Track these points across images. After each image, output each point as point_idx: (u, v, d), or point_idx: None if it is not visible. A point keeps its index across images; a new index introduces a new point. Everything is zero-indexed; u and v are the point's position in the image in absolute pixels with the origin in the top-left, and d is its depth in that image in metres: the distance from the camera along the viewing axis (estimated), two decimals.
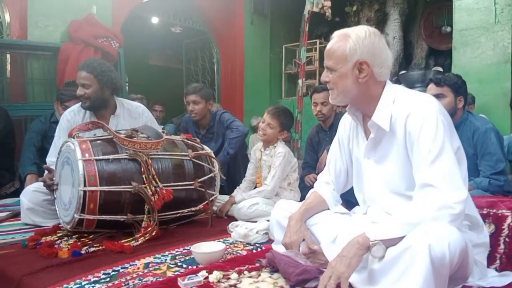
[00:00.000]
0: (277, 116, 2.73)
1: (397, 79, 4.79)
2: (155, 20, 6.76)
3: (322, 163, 3.05)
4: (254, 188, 2.85)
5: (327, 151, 3.03)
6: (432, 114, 1.36)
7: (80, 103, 2.61)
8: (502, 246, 1.64)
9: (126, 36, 4.55)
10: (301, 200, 1.96)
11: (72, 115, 2.60)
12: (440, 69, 5.31)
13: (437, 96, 2.35)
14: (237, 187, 2.92)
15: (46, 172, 2.38)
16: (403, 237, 1.24)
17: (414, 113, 1.38)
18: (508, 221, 1.67)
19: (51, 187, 2.32)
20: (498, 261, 1.61)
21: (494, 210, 1.73)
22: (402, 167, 1.44)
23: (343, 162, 1.72)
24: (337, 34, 1.50)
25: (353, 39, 1.43)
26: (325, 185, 1.75)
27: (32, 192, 2.45)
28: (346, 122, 1.70)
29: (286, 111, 2.83)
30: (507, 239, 1.64)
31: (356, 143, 1.64)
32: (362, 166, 1.60)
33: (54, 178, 2.31)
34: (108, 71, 2.56)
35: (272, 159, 2.74)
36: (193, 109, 3.28)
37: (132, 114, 2.72)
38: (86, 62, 2.59)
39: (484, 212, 1.72)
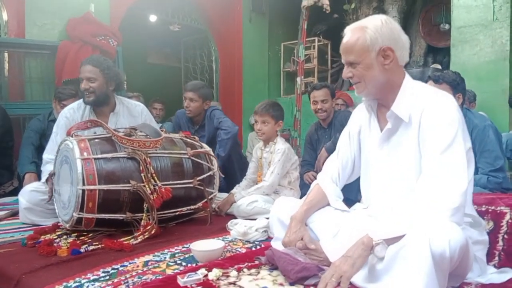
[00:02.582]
0: (266, 110, 2.75)
1: None
2: (153, 18, 6.74)
3: (320, 161, 3.06)
4: None
5: (326, 149, 3.06)
6: (448, 110, 1.37)
7: (78, 100, 2.61)
8: (500, 243, 1.64)
9: (124, 34, 4.54)
10: (301, 198, 1.95)
11: (71, 113, 2.59)
12: (439, 66, 5.31)
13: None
14: (237, 185, 2.92)
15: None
16: (404, 235, 1.24)
17: (431, 108, 1.40)
18: (507, 218, 1.68)
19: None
20: (497, 258, 1.61)
21: (493, 207, 1.74)
22: (414, 160, 1.45)
23: (351, 153, 1.73)
24: (351, 28, 1.50)
25: (372, 29, 1.44)
26: (329, 178, 1.74)
27: (30, 192, 2.45)
28: (359, 114, 1.71)
29: (272, 103, 2.84)
30: (505, 236, 1.65)
31: (368, 134, 1.64)
32: (373, 157, 1.60)
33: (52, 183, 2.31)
34: (113, 67, 2.60)
35: (272, 156, 2.75)
36: (189, 105, 3.29)
37: (132, 112, 2.73)
38: (91, 57, 2.62)
39: (483, 209, 1.73)
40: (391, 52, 1.45)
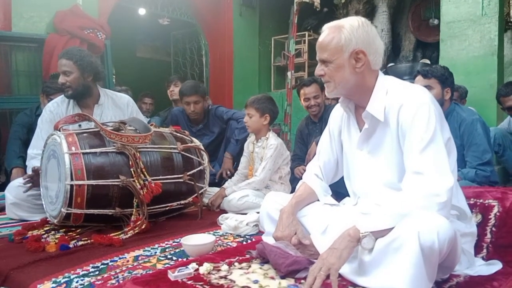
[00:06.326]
0: (251, 103, 2.76)
1: (385, 72, 4.79)
2: (142, 11, 6.66)
3: (310, 155, 3.06)
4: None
5: (316, 143, 3.07)
6: (424, 104, 1.37)
7: (62, 94, 2.57)
8: (488, 236, 1.66)
9: (113, 27, 4.48)
10: (291, 193, 1.96)
11: (55, 106, 2.56)
12: (428, 61, 5.34)
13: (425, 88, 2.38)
14: (229, 180, 2.92)
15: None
16: (392, 228, 1.25)
17: (407, 104, 1.40)
18: (495, 210, 1.70)
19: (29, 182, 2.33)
20: (485, 250, 1.63)
21: (481, 200, 1.76)
22: (395, 158, 1.45)
23: (333, 153, 1.73)
24: (328, 26, 1.50)
25: (347, 29, 1.43)
26: (314, 176, 1.75)
27: (17, 188, 2.42)
28: (337, 114, 1.71)
29: (261, 96, 2.84)
30: (493, 229, 1.67)
31: (347, 135, 1.64)
32: (354, 157, 1.60)
33: (39, 173, 2.28)
34: (87, 57, 2.54)
35: (264, 151, 2.75)
36: (195, 109, 3.26)
37: (117, 103, 2.69)
38: (65, 50, 2.60)
39: (471, 202, 1.74)
40: (364, 56, 1.45)
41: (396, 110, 1.42)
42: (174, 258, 1.70)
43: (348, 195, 1.76)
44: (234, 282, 1.36)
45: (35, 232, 2.05)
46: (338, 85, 1.49)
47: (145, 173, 2.13)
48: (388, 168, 1.48)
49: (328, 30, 1.48)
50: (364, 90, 1.50)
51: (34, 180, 2.34)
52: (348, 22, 1.46)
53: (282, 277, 1.40)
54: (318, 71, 1.52)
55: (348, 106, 1.60)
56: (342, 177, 1.79)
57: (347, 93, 1.54)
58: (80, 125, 2.40)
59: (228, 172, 3.12)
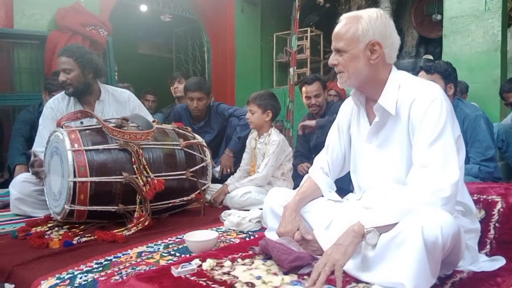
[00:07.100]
0: (253, 100, 2.76)
1: None
2: (143, 8, 6.64)
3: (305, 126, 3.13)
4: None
5: (317, 121, 3.09)
6: (436, 100, 1.37)
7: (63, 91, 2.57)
8: (492, 232, 1.66)
9: (115, 24, 4.47)
10: (294, 189, 1.96)
11: (55, 103, 2.56)
12: (431, 57, 5.32)
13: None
14: (231, 176, 2.92)
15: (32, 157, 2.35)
16: (396, 223, 1.25)
17: (419, 99, 1.39)
18: (498, 206, 1.70)
19: (38, 174, 2.30)
20: (488, 246, 1.63)
21: (484, 196, 1.76)
22: (404, 153, 1.45)
23: (341, 147, 1.73)
24: (346, 17, 1.49)
25: (366, 20, 1.43)
26: (320, 170, 1.75)
27: (21, 183, 2.43)
28: (347, 109, 1.70)
29: (263, 93, 2.84)
30: (497, 225, 1.67)
31: (357, 128, 1.64)
32: (363, 151, 1.60)
33: (42, 167, 2.28)
34: (87, 54, 2.53)
35: (266, 147, 2.74)
36: (198, 105, 3.27)
37: (118, 99, 2.69)
38: (64, 48, 2.57)
39: (475, 198, 1.74)
40: (379, 48, 1.44)
41: (408, 104, 1.42)
42: (177, 254, 1.70)
43: (351, 192, 1.76)
44: (237, 278, 1.36)
45: (39, 229, 2.06)
46: (351, 75, 1.48)
47: (148, 169, 2.13)
48: (396, 163, 1.47)
49: (345, 20, 1.48)
50: (377, 83, 1.49)
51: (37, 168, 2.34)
52: (367, 13, 1.46)
53: (285, 273, 1.40)
54: (332, 61, 1.51)
55: (359, 99, 1.59)
56: (346, 174, 1.79)
57: (359, 85, 1.53)
58: (82, 122, 2.40)
59: (228, 170, 3.12)
